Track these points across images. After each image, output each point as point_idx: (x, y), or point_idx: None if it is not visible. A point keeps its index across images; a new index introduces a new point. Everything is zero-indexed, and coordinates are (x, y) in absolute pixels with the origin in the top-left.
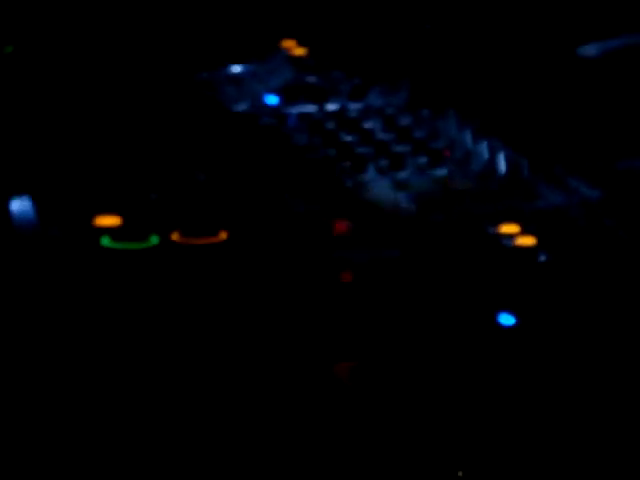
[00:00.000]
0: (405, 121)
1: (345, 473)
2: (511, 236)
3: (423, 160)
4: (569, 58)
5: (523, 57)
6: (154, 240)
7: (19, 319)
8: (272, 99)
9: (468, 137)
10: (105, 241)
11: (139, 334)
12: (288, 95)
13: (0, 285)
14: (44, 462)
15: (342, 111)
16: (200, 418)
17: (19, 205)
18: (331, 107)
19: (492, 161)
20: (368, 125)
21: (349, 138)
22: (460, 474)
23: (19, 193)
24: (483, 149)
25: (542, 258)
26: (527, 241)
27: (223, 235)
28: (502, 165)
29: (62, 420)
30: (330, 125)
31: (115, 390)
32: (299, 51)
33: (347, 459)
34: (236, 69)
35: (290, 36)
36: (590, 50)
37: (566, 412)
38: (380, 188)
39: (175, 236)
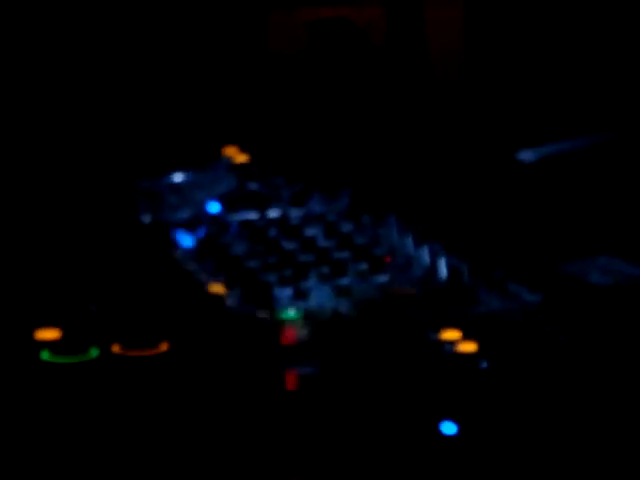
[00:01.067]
0: (346, 228)
1: None
2: (452, 342)
3: (364, 266)
4: (507, 163)
5: (462, 162)
6: (94, 353)
7: None
8: (214, 207)
9: (409, 243)
10: (45, 355)
11: (80, 447)
12: (230, 202)
13: None
14: None
15: (284, 218)
16: None
17: None
18: (273, 214)
19: (433, 266)
20: (310, 232)
21: (291, 245)
22: None
23: None
24: (424, 254)
25: (483, 365)
26: (468, 347)
27: (164, 346)
28: (443, 270)
29: None
30: (272, 232)
31: None
32: (241, 158)
33: None
34: (178, 177)
35: (232, 143)
36: (528, 155)
37: None
38: (319, 296)
39: (115, 348)
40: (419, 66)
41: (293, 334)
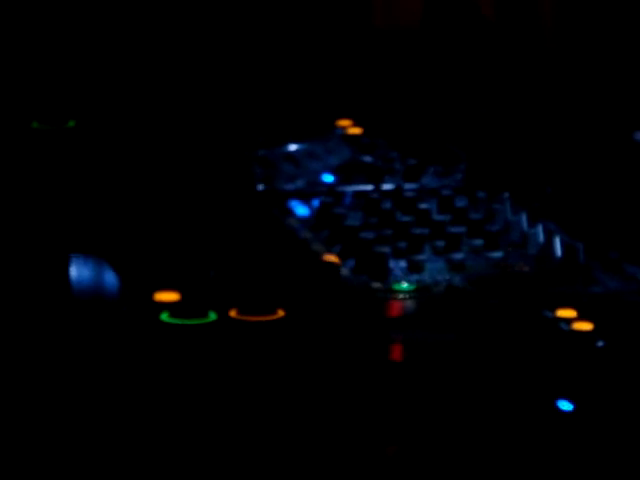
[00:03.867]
0: (461, 203)
1: None
2: (568, 321)
3: (479, 242)
4: (625, 143)
5: (580, 142)
6: (212, 316)
7: (74, 389)
8: (328, 178)
9: (524, 220)
10: (165, 317)
11: (194, 406)
12: (344, 174)
13: (57, 351)
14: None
15: (398, 191)
16: None
17: (79, 272)
18: (387, 187)
19: (548, 245)
20: (424, 206)
21: (405, 218)
22: None
23: (80, 264)
24: (539, 233)
25: (599, 344)
26: (584, 326)
27: (280, 313)
28: (558, 249)
29: None
30: (386, 205)
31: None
32: (355, 130)
33: None
34: (293, 147)
35: (346, 116)
36: None
37: None
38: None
39: (233, 313)
40: (531, 38)
41: (405, 307)
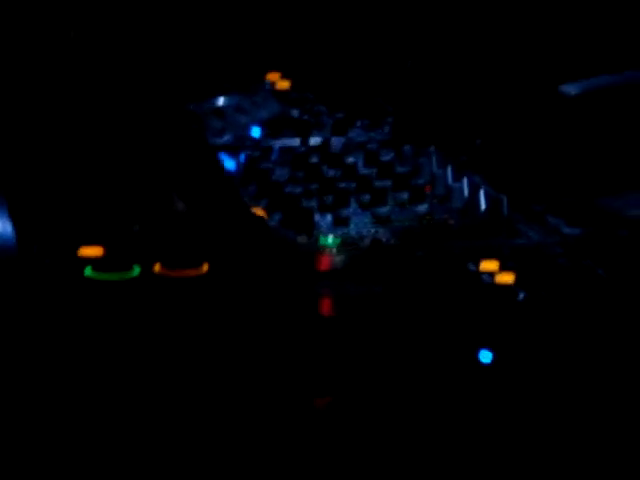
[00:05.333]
0: (387, 156)
1: None
2: (491, 273)
3: (404, 196)
4: (550, 96)
5: (505, 94)
6: (136, 271)
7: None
8: (256, 131)
9: (449, 174)
10: (88, 271)
11: (117, 363)
12: (272, 128)
13: None
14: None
15: (325, 145)
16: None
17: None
18: (314, 141)
19: (472, 198)
20: (350, 160)
21: (332, 173)
22: None
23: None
24: (464, 186)
25: (520, 296)
26: (506, 278)
27: (205, 267)
28: (482, 202)
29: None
30: (313, 159)
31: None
32: (283, 84)
33: None
34: (221, 101)
35: (275, 69)
36: (571, 88)
37: (539, 447)
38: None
39: (157, 267)
40: None
41: (331, 260)
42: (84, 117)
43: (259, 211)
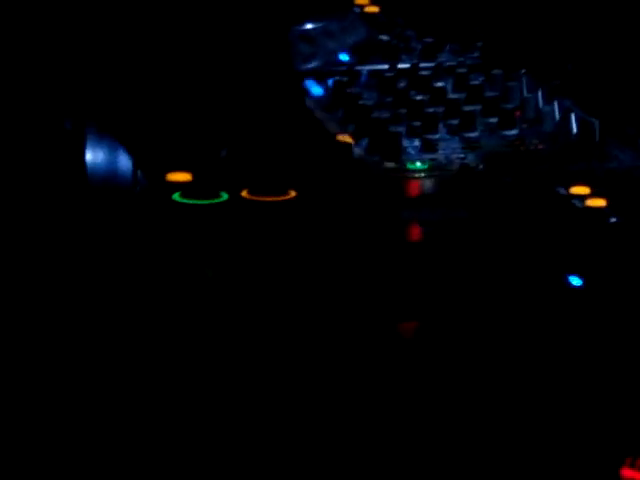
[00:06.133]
0: (476, 81)
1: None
2: (582, 197)
3: (493, 120)
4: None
5: (596, 18)
6: (224, 197)
7: (92, 268)
8: (344, 57)
9: (539, 98)
10: (177, 196)
11: (207, 288)
12: (360, 53)
13: (74, 235)
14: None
15: (414, 69)
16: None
17: (93, 157)
18: (403, 65)
19: (563, 122)
20: (439, 84)
21: (420, 97)
22: None
23: (92, 147)
24: (554, 110)
25: (612, 220)
26: (597, 202)
27: (292, 193)
28: (573, 126)
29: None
30: (401, 84)
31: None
32: (372, 9)
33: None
34: (309, 27)
35: None
36: None
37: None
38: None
39: (244, 193)
40: None
41: (418, 185)
42: (173, 44)
43: (346, 137)
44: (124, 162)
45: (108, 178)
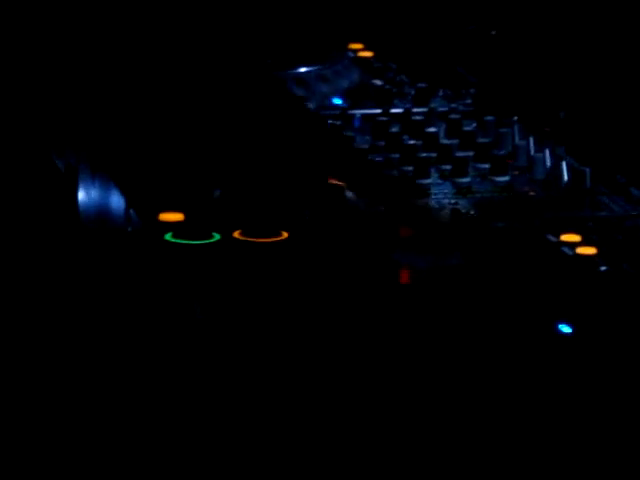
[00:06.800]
0: (469, 127)
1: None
2: (572, 245)
3: (485, 166)
4: (633, 68)
5: (588, 67)
6: (216, 237)
7: (83, 307)
8: (338, 100)
9: (531, 145)
10: (169, 237)
11: (197, 328)
12: (354, 97)
13: (67, 274)
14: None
15: (406, 115)
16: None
17: (85, 196)
18: (396, 110)
19: (554, 170)
20: (431, 129)
21: (412, 142)
22: None
23: (85, 186)
24: (546, 157)
25: (602, 268)
26: (588, 250)
27: (284, 235)
28: (564, 174)
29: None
30: (394, 128)
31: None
32: (365, 54)
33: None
34: (303, 70)
35: (357, 39)
36: None
37: (621, 422)
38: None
39: (237, 234)
40: None
41: (410, 230)
42: (166, 83)
43: (338, 181)
44: (116, 201)
45: (100, 217)
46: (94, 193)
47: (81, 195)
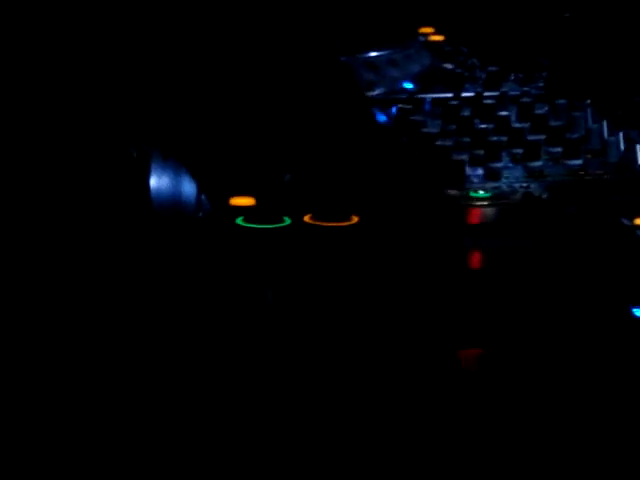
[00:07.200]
0: (541, 110)
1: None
2: None
3: (558, 150)
4: None
5: None
6: (286, 222)
7: (156, 293)
8: (408, 85)
9: (604, 128)
10: (240, 221)
11: (268, 312)
12: (424, 81)
13: (140, 261)
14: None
15: (477, 98)
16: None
17: (157, 182)
18: (467, 94)
19: (628, 153)
20: (503, 113)
21: (483, 126)
22: None
23: (157, 172)
24: (619, 141)
25: None
26: None
27: (355, 219)
28: (638, 157)
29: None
30: (465, 112)
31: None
32: (436, 38)
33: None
34: (373, 55)
35: (428, 23)
36: None
37: None
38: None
39: (307, 218)
40: None
41: (481, 214)
42: (237, 68)
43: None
44: (188, 187)
45: (172, 203)
46: (166, 179)
47: (153, 181)
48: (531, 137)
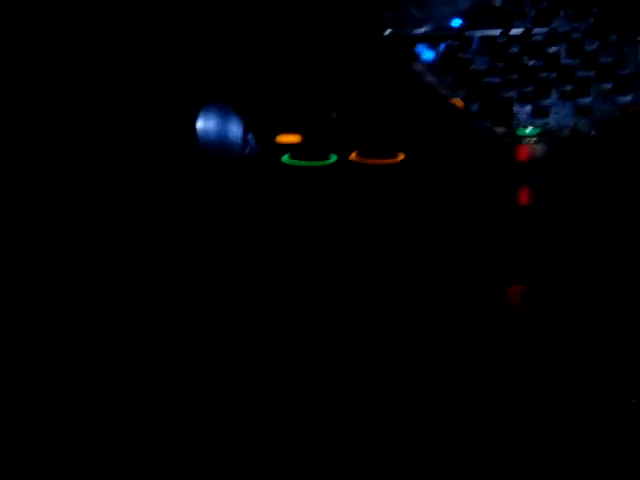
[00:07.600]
0: (591, 46)
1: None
2: None
3: (607, 86)
4: None
5: None
6: (332, 159)
7: (205, 230)
8: (456, 22)
9: None
10: (286, 158)
11: (315, 248)
12: (472, 18)
13: (186, 198)
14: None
15: (526, 35)
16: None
17: (204, 121)
18: (515, 31)
19: None
20: (552, 50)
21: (532, 62)
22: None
23: (204, 111)
24: None
25: None
26: None
27: (401, 156)
28: None
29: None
30: (514, 49)
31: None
32: None
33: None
34: None
35: None
36: None
37: None
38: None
39: (353, 156)
40: None
41: (529, 150)
42: (284, 9)
43: (457, 101)
44: (235, 125)
45: (219, 141)
46: (213, 118)
47: (200, 121)
48: (580, 73)
